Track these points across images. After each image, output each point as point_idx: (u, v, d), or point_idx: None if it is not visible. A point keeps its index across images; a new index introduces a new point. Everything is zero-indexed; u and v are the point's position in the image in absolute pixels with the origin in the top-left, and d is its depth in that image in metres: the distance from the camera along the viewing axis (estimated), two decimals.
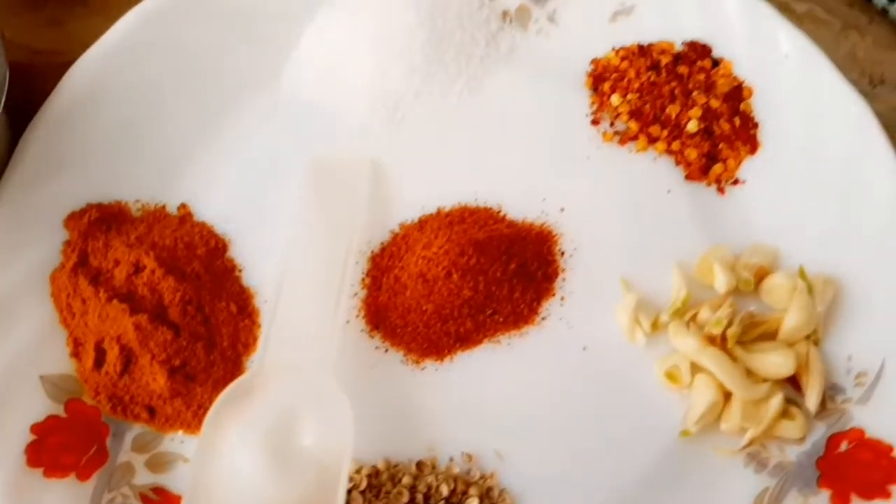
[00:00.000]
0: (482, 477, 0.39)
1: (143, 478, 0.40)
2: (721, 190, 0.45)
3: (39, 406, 0.40)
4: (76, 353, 0.41)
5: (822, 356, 0.40)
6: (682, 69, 0.47)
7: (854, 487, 0.38)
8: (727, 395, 0.39)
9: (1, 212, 0.42)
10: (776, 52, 0.46)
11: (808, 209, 0.44)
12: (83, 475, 0.39)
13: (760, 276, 0.42)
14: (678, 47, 0.48)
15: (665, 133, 0.46)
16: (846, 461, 0.39)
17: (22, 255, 0.42)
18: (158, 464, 0.40)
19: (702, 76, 0.47)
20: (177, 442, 0.41)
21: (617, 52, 0.48)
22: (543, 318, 0.42)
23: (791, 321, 0.40)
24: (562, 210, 0.45)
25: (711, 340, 0.40)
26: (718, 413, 0.39)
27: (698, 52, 0.47)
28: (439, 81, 0.48)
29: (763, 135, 0.46)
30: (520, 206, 0.45)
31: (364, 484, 0.38)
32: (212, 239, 0.44)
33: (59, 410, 0.40)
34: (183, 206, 0.45)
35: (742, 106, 0.46)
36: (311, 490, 0.36)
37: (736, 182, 0.45)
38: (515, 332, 0.42)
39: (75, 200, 0.44)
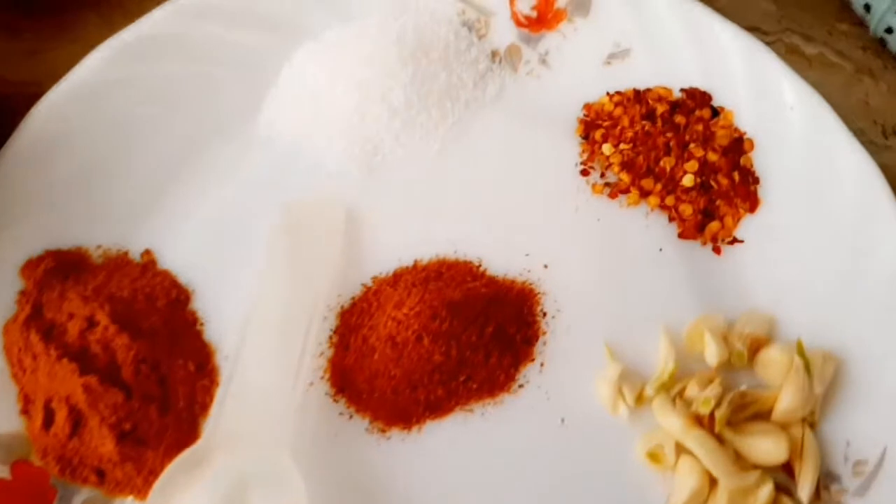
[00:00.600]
0: None
1: None
2: (717, 249, 0.42)
3: None
4: (26, 411, 0.39)
5: (819, 440, 0.37)
6: (680, 118, 0.44)
7: None
8: (713, 481, 0.36)
9: None
10: (780, 102, 0.43)
11: (809, 274, 0.41)
12: None
13: (755, 347, 0.39)
14: (676, 94, 0.45)
15: (658, 187, 0.43)
16: None
17: None
18: None
19: (700, 127, 0.44)
20: None
21: (611, 96, 0.46)
22: (521, 386, 0.40)
23: (785, 402, 0.37)
24: (545, 266, 0.42)
25: (698, 420, 0.37)
26: (703, 500, 0.36)
27: (697, 100, 0.45)
28: (421, 125, 0.45)
29: (764, 192, 0.43)
30: (501, 261, 0.43)
31: None
32: (174, 289, 0.42)
33: (4, 472, 0.38)
34: (147, 252, 0.43)
35: (742, 160, 0.43)
36: None
37: (733, 241, 0.42)
38: (490, 400, 0.39)
39: (34, 246, 0.42)
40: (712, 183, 0.43)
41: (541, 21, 0.47)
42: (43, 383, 0.39)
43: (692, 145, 0.43)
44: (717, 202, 0.43)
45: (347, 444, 0.39)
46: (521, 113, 0.46)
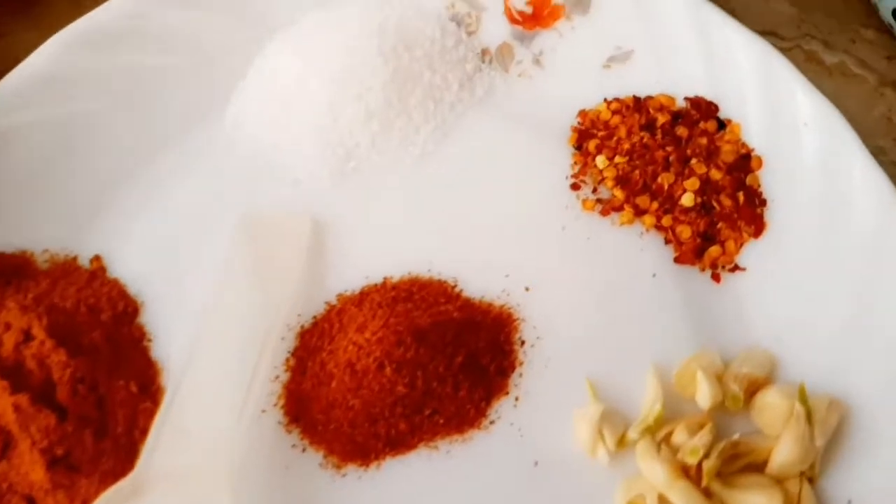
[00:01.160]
0: None
1: None
2: (716, 277, 0.39)
3: None
4: None
5: (818, 498, 0.34)
6: (682, 131, 0.40)
7: None
8: None
9: None
10: (793, 117, 0.39)
11: (816, 310, 0.37)
12: None
13: (753, 388, 0.35)
14: (679, 103, 0.41)
15: (655, 205, 0.39)
16: None
17: None
18: None
19: (704, 140, 0.40)
20: None
21: (609, 103, 0.42)
22: (492, 422, 0.36)
23: (783, 454, 0.33)
24: (526, 289, 0.39)
25: (685, 470, 0.33)
26: None
27: (702, 110, 0.41)
28: (400, 129, 0.42)
29: (771, 215, 0.39)
30: (479, 282, 0.39)
31: None
32: (121, 301, 0.39)
33: None
34: (96, 258, 0.40)
35: (748, 179, 0.39)
36: None
37: (734, 269, 0.39)
38: (458, 436, 0.36)
39: None
40: (714, 203, 0.39)
41: (536, 18, 0.43)
42: None
43: (694, 161, 0.39)
44: (719, 225, 0.39)
45: (298, 480, 0.35)
46: (510, 118, 0.42)
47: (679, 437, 0.34)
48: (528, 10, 0.43)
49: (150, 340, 0.38)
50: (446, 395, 0.36)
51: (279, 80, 0.42)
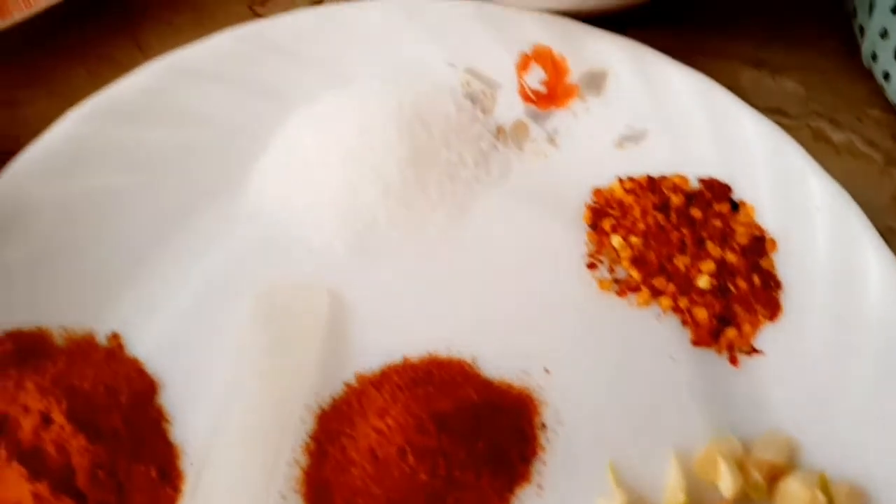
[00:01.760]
0: None
1: None
2: (733, 360, 0.39)
3: None
4: None
5: None
6: (696, 212, 0.41)
7: None
8: None
9: None
10: (806, 200, 0.40)
11: (834, 394, 0.37)
12: None
13: (774, 475, 0.36)
14: (693, 184, 0.42)
15: (672, 287, 0.40)
16: None
17: None
18: None
19: (718, 222, 0.40)
20: None
21: (622, 182, 0.42)
22: None
23: None
24: (546, 371, 0.39)
25: None
26: None
27: (715, 192, 0.41)
28: (417, 206, 0.42)
29: (786, 298, 0.39)
30: (498, 362, 0.39)
31: None
32: (140, 382, 0.38)
33: None
34: (114, 335, 0.40)
35: (763, 262, 0.40)
36: None
37: (752, 352, 0.39)
38: None
39: None
40: (730, 286, 0.39)
41: (550, 97, 0.44)
42: None
43: (709, 243, 0.40)
44: (735, 307, 0.39)
45: None
46: (526, 195, 0.43)
47: None
48: (543, 89, 0.44)
49: (168, 422, 0.38)
50: (468, 482, 0.35)
51: (299, 156, 0.43)
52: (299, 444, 0.37)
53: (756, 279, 0.39)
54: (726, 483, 0.35)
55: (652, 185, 0.42)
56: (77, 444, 0.35)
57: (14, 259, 0.40)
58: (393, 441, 0.35)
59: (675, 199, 0.41)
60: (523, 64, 0.44)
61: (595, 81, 0.43)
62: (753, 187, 0.41)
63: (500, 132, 0.44)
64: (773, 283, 0.40)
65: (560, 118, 0.44)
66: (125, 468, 0.36)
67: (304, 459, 0.37)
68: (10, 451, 0.35)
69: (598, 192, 0.43)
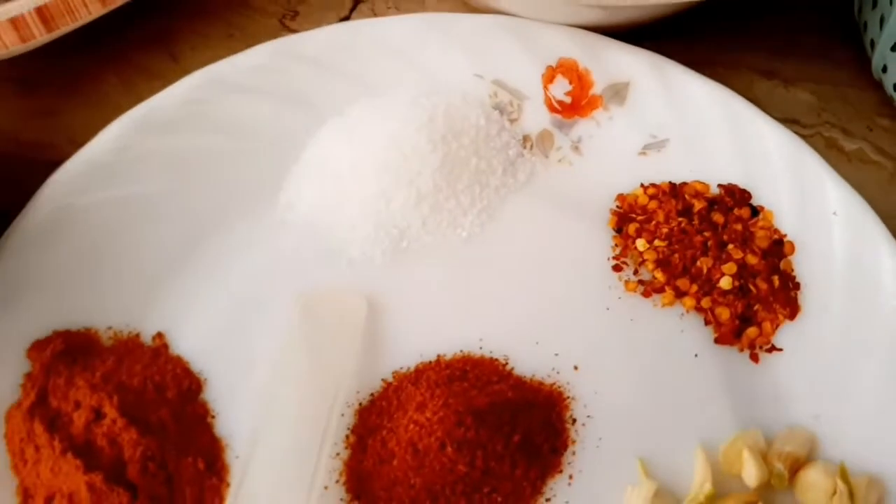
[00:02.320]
0: None
1: None
2: (755, 357, 0.41)
3: None
4: None
5: None
6: (717, 217, 0.42)
7: None
8: None
9: None
10: (822, 205, 0.42)
11: (852, 388, 0.39)
12: None
13: (796, 466, 0.37)
14: (714, 190, 0.44)
15: (695, 288, 0.41)
16: None
17: None
18: None
19: (739, 226, 0.42)
20: None
21: (645, 188, 0.44)
22: (548, 500, 0.38)
23: None
24: (575, 368, 0.40)
25: None
26: None
27: (736, 198, 0.43)
28: (449, 212, 0.44)
29: (804, 298, 0.41)
30: (529, 360, 0.41)
31: None
32: (185, 379, 0.40)
33: None
34: (159, 335, 0.41)
35: (782, 264, 0.42)
36: None
37: (772, 349, 0.41)
38: None
39: (42, 326, 0.40)
40: (751, 287, 0.41)
41: (575, 107, 0.46)
42: (45, 478, 0.37)
43: (730, 246, 0.42)
44: (756, 307, 0.41)
45: None
46: (552, 201, 0.45)
47: None
48: (568, 100, 0.46)
49: (213, 417, 0.40)
50: (504, 473, 0.37)
51: (332, 166, 0.44)
52: (340, 437, 0.39)
53: (776, 280, 0.41)
54: (750, 473, 0.36)
55: (674, 190, 0.44)
56: (128, 437, 0.37)
57: (61, 263, 0.42)
58: (433, 434, 0.37)
59: (697, 205, 0.43)
60: (549, 76, 0.46)
61: (618, 92, 0.45)
62: (772, 193, 0.43)
63: (526, 141, 0.46)
64: (791, 284, 0.41)
65: (584, 127, 0.46)
66: (174, 461, 0.37)
67: (345, 452, 0.39)
68: (64, 444, 0.37)
69: (621, 197, 0.44)
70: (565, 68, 0.45)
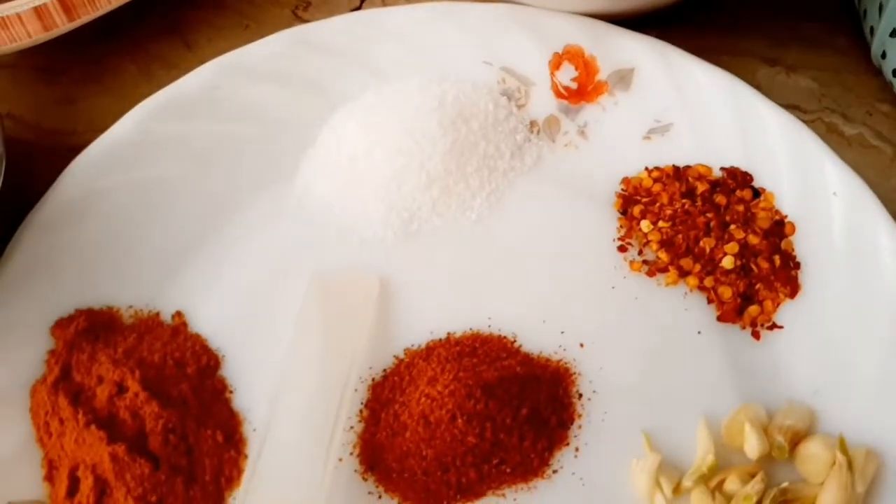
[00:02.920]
0: None
1: None
2: (756, 334, 0.42)
3: None
4: (49, 478, 0.38)
5: None
6: (720, 198, 0.44)
7: None
8: None
9: None
10: (822, 186, 0.43)
11: (850, 364, 0.40)
12: None
13: (796, 439, 0.38)
14: (716, 173, 0.45)
15: (698, 267, 0.43)
16: None
17: (4, 362, 0.40)
18: None
19: (741, 208, 0.43)
20: None
21: (650, 171, 0.45)
22: (555, 472, 0.39)
23: (828, 500, 0.36)
24: (581, 345, 0.42)
25: None
26: None
27: (738, 180, 0.44)
28: (458, 194, 0.45)
29: (805, 277, 0.42)
30: (536, 337, 0.42)
31: None
32: (204, 355, 0.41)
33: None
34: (178, 314, 0.43)
35: (783, 244, 0.43)
36: None
37: (773, 327, 0.42)
38: (523, 485, 0.39)
39: (65, 305, 0.42)
40: (752, 266, 0.42)
41: (581, 93, 0.47)
42: (69, 450, 0.38)
43: (732, 226, 0.43)
44: (757, 286, 0.42)
45: None
46: (559, 184, 0.46)
47: (731, 484, 0.37)
48: (574, 86, 0.47)
49: (231, 392, 0.41)
50: (512, 445, 0.38)
51: (346, 150, 0.45)
52: (354, 411, 0.40)
53: (777, 260, 0.42)
54: (752, 446, 0.38)
55: (678, 173, 0.45)
56: (150, 410, 0.38)
57: (83, 244, 0.43)
58: (444, 406, 0.38)
59: (700, 187, 0.44)
60: (556, 63, 0.47)
61: (623, 78, 0.46)
62: (773, 175, 0.44)
63: (533, 126, 0.47)
64: (792, 264, 0.42)
65: (590, 112, 0.47)
66: (194, 433, 0.39)
67: (358, 425, 0.40)
68: (88, 417, 0.38)
69: (626, 180, 0.45)
70: (572, 55, 0.47)
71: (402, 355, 0.42)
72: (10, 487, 0.38)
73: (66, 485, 0.37)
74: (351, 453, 0.39)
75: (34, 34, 0.44)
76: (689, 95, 0.46)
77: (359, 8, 0.53)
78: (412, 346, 0.42)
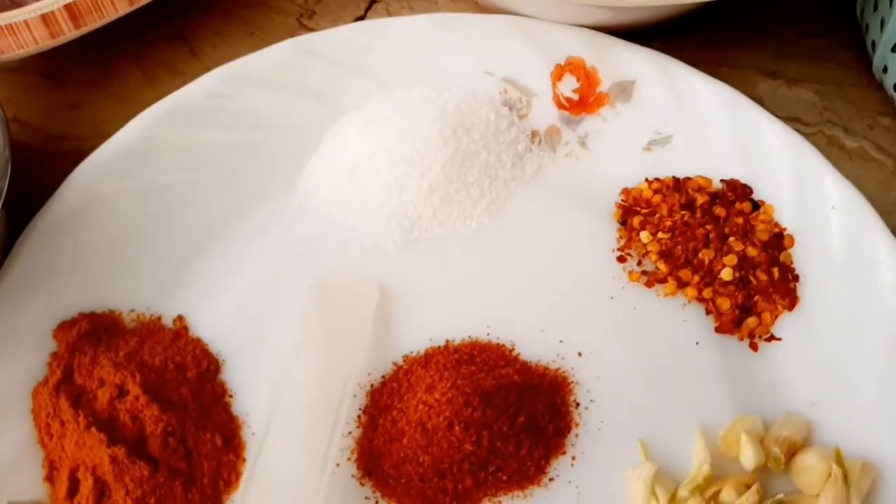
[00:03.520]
0: None
1: None
2: (754, 346, 0.42)
3: None
4: (50, 478, 0.39)
5: None
6: (719, 210, 0.44)
7: None
8: None
9: None
10: (822, 200, 0.43)
11: (847, 377, 0.40)
12: None
13: (792, 450, 0.38)
14: (716, 185, 0.45)
15: (696, 279, 0.43)
16: None
17: (6, 364, 0.40)
18: None
19: (740, 220, 0.44)
20: None
21: (650, 182, 0.46)
22: (551, 479, 0.39)
23: None
24: (579, 355, 0.42)
25: None
26: None
27: (737, 192, 0.44)
28: (459, 203, 0.45)
29: (803, 289, 0.42)
30: (535, 346, 0.42)
31: None
32: (204, 359, 0.42)
33: None
34: (179, 318, 0.43)
35: (782, 256, 0.43)
36: None
37: (771, 338, 0.42)
38: (519, 492, 0.39)
39: (68, 308, 0.42)
40: (751, 278, 0.42)
41: (582, 104, 0.47)
42: (70, 451, 0.38)
43: (732, 238, 0.43)
44: (756, 298, 0.42)
45: None
46: (559, 194, 0.46)
47: (727, 495, 0.37)
48: (575, 97, 0.47)
49: (230, 396, 0.41)
50: (509, 453, 0.38)
51: (348, 158, 0.46)
52: (352, 417, 0.40)
53: (775, 272, 0.42)
54: (748, 456, 0.38)
55: (678, 185, 0.45)
56: (150, 413, 0.38)
57: (86, 249, 0.44)
58: (441, 413, 0.38)
59: (700, 199, 0.44)
60: (558, 74, 0.47)
61: (624, 90, 0.47)
62: (773, 188, 0.44)
63: (534, 136, 0.47)
64: (791, 276, 0.43)
65: (591, 123, 0.47)
66: (193, 436, 0.39)
67: (356, 431, 0.40)
68: (89, 419, 0.39)
69: (626, 191, 0.46)
70: (573, 66, 0.47)
71: (400, 362, 0.42)
72: (11, 488, 0.39)
73: (66, 486, 0.38)
74: (349, 458, 0.40)
75: (41, 41, 0.45)
76: (689, 108, 0.46)
77: (363, 17, 0.53)
78: (411, 353, 0.42)
